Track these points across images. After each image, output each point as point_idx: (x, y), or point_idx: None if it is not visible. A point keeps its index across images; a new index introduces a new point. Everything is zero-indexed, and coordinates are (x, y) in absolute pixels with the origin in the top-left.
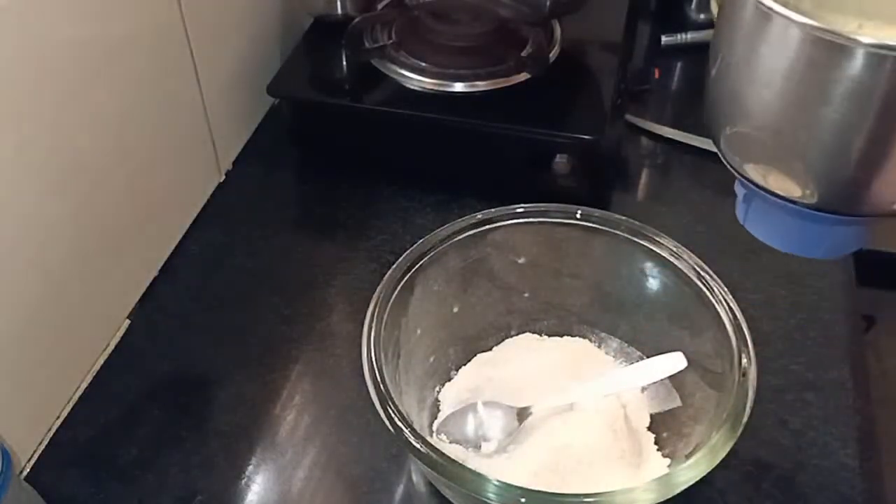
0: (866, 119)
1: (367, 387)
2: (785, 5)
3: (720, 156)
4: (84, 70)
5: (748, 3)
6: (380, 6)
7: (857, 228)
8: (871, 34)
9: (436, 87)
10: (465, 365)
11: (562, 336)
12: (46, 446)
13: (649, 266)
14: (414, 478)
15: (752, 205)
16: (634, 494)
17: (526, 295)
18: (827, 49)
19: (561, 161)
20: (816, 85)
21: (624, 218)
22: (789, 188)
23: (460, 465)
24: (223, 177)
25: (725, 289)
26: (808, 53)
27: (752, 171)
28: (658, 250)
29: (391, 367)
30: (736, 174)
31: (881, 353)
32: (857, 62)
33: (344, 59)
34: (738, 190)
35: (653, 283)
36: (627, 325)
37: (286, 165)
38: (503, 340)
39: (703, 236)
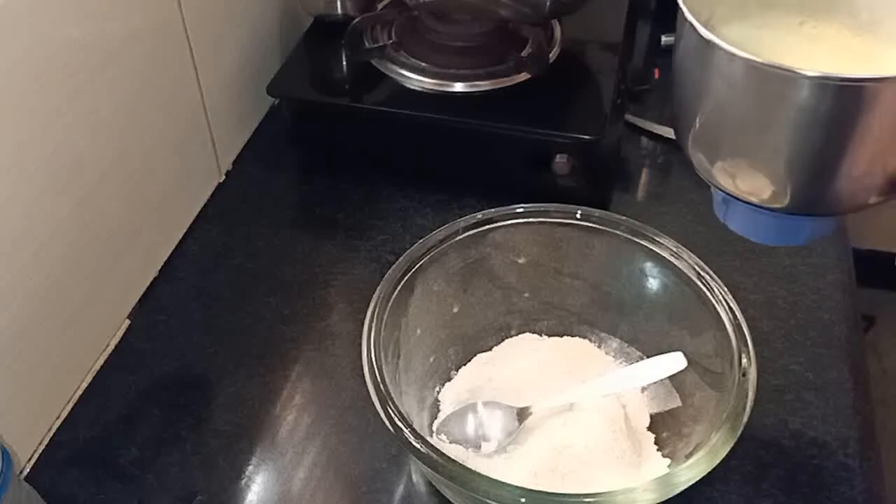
0: (815, 138)
1: (367, 387)
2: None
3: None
4: (84, 70)
5: (694, 34)
6: (380, 6)
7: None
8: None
9: (436, 87)
10: (465, 365)
11: (562, 336)
12: (46, 446)
13: (649, 266)
14: (414, 478)
15: (730, 205)
16: (634, 494)
17: (526, 295)
18: (772, 80)
19: (561, 161)
20: (766, 110)
21: (624, 218)
22: (756, 196)
23: (460, 465)
24: (223, 177)
25: (725, 289)
26: (755, 84)
27: (720, 180)
28: (658, 250)
29: (391, 367)
30: (706, 181)
31: (881, 353)
32: (803, 91)
33: (344, 59)
34: (715, 192)
35: (653, 283)
36: (627, 325)
37: (286, 165)
38: (503, 340)
39: (703, 236)
